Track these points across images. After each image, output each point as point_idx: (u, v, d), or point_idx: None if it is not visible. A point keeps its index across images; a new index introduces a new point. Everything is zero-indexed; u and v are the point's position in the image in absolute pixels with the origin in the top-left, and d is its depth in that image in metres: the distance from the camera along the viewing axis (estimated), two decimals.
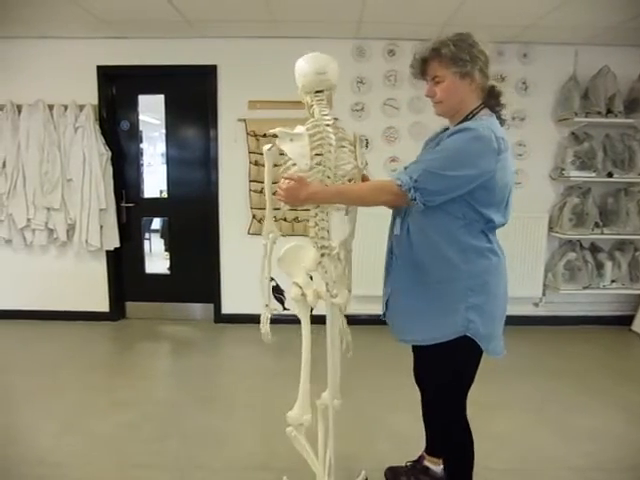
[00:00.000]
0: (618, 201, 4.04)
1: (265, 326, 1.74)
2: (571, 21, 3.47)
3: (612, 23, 3.49)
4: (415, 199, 1.49)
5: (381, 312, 1.79)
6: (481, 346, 1.57)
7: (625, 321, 4.25)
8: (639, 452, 2.40)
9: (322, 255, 1.62)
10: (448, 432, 1.74)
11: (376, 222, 2.17)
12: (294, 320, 1.73)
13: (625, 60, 3.94)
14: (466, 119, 1.57)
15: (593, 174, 3.95)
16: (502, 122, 1.59)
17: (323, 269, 1.62)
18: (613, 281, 4.08)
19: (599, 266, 4.09)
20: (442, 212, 1.53)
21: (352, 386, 2.71)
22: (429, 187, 1.48)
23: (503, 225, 1.60)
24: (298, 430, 1.73)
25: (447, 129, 1.66)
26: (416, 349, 1.82)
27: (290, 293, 1.69)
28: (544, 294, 4.15)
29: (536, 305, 4.21)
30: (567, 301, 4.20)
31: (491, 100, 1.60)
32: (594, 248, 4.16)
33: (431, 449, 2.05)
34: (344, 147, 1.63)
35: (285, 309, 1.73)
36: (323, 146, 1.58)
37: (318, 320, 1.73)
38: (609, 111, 3.88)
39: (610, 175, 3.94)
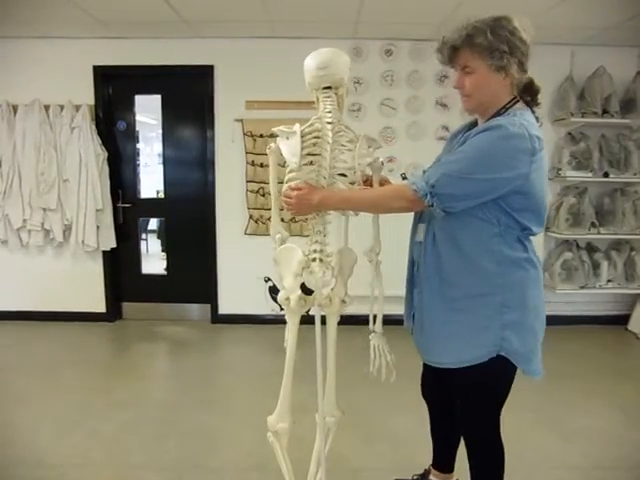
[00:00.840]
0: (614, 201, 4.05)
1: (286, 339, 1.66)
2: (567, 21, 3.48)
3: (608, 24, 3.50)
4: (433, 205, 1.36)
5: (406, 324, 1.66)
6: (519, 367, 1.45)
7: (621, 320, 4.26)
8: (638, 451, 2.40)
9: (313, 260, 1.54)
10: (481, 449, 1.61)
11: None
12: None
13: (621, 60, 3.96)
14: (498, 114, 1.42)
15: (589, 174, 3.96)
16: (537, 119, 1.44)
17: (310, 274, 1.54)
18: (609, 281, 4.09)
19: (595, 266, 4.10)
20: (473, 217, 1.38)
21: (350, 386, 2.71)
22: (449, 191, 1.34)
23: (539, 232, 1.46)
24: (276, 437, 1.64)
25: (474, 124, 1.54)
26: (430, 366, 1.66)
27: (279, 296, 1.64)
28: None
29: None
30: (564, 301, 4.21)
31: (527, 96, 1.45)
32: (590, 248, 4.18)
33: (439, 464, 1.92)
34: (344, 146, 1.55)
35: (282, 309, 1.69)
36: (318, 145, 1.52)
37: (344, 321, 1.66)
38: (605, 111, 3.90)
39: (606, 175, 3.96)
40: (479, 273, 1.40)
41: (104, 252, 4.20)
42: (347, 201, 1.52)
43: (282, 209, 1.62)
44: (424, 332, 1.54)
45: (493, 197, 1.35)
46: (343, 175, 1.56)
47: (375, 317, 1.71)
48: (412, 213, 1.60)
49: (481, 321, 1.42)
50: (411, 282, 1.62)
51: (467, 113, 1.53)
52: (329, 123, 1.53)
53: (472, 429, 1.59)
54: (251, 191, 4.06)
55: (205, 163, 4.16)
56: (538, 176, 1.37)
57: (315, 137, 1.53)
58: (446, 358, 1.50)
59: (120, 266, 4.35)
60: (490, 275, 1.40)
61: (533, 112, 1.45)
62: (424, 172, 1.44)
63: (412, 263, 1.61)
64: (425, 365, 1.74)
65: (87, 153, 3.95)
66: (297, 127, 1.53)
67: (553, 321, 4.24)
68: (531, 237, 1.47)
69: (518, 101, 1.44)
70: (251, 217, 4.10)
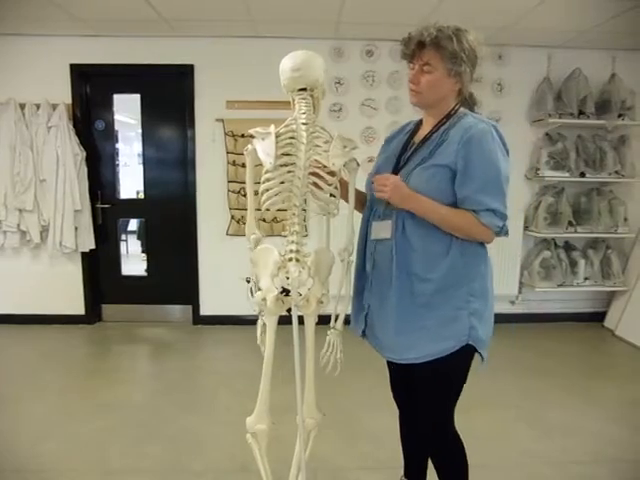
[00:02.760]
0: (590, 200, 4.12)
1: (259, 336, 1.65)
2: (545, 24, 3.53)
3: (584, 27, 3.56)
4: (503, 234, 1.47)
5: (355, 327, 1.66)
6: (481, 354, 1.48)
7: (598, 317, 4.34)
8: (615, 446, 2.44)
9: (289, 260, 1.53)
10: (442, 445, 1.62)
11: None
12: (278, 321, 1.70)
13: (596, 63, 4.03)
14: (449, 116, 1.51)
15: (567, 174, 4.02)
16: None
17: (285, 274, 1.52)
18: (586, 278, 4.16)
19: (573, 264, 4.16)
20: None
21: (330, 387, 2.71)
22: (506, 212, 1.45)
23: None
24: (255, 438, 1.63)
25: (418, 124, 1.61)
26: (394, 366, 1.68)
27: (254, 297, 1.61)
28: (520, 292, 4.21)
29: (512, 303, 4.27)
30: (542, 299, 4.27)
31: (465, 106, 1.55)
32: (568, 246, 4.24)
33: (411, 473, 1.87)
34: (319, 147, 1.55)
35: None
36: (293, 145, 1.53)
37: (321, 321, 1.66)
38: (581, 112, 3.96)
39: (583, 175, 4.02)
40: (451, 267, 1.44)
41: (83, 254, 4.13)
42: (431, 212, 1.44)
43: (258, 209, 1.60)
44: (388, 331, 1.52)
45: None
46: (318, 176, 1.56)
47: (337, 316, 1.70)
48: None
49: (451, 313, 1.45)
50: (361, 281, 1.62)
51: (415, 106, 1.57)
52: (304, 124, 1.53)
53: (430, 421, 1.59)
54: (232, 191, 4.04)
55: (186, 163, 4.13)
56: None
57: (290, 137, 1.54)
58: (416, 353, 1.49)
59: (99, 268, 4.29)
60: (457, 266, 1.45)
61: None
62: (494, 211, 1.42)
63: (363, 263, 1.62)
64: (390, 365, 1.73)
65: (64, 153, 3.88)
66: (272, 128, 1.53)
67: (532, 318, 4.38)
68: None
69: (461, 106, 1.53)
70: (232, 217, 4.07)
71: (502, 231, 1.45)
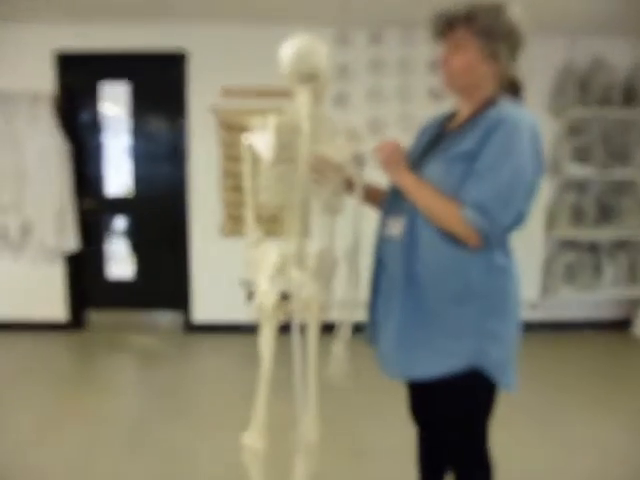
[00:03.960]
0: (617, 198, 4.12)
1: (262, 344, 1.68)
2: (567, 8, 3.52)
3: (609, 11, 3.56)
4: (492, 243, 1.37)
5: (366, 334, 1.64)
6: (494, 381, 1.43)
7: (626, 324, 4.34)
8: None
9: (291, 262, 1.54)
10: (467, 468, 1.57)
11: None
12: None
13: (622, 49, 4.03)
14: (485, 106, 1.42)
15: (591, 169, 4.01)
16: None
17: (284, 277, 1.53)
18: (612, 283, 4.16)
19: (598, 267, 4.16)
20: None
21: (334, 400, 2.71)
22: (505, 222, 1.35)
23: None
24: (251, 456, 1.62)
25: (452, 116, 1.55)
26: (413, 383, 1.66)
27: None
28: (541, 297, 4.21)
29: (533, 309, 4.27)
30: (565, 304, 4.27)
31: (509, 94, 1.46)
32: (593, 248, 4.24)
33: None
34: (322, 140, 1.56)
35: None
36: (293, 139, 1.52)
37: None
38: (606, 102, 3.96)
39: (608, 170, 4.01)
40: (463, 276, 1.39)
41: (66, 255, 4.15)
42: (419, 188, 1.41)
43: (257, 207, 1.61)
44: (390, 343, 1.49)
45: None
46: None
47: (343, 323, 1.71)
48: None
49: (458, 329, 1.40)
50: (375, 286, 1.60)
51: (447, 89, 1.52)
52: (306, 115, 1.53)
53: (457, 455, 1.57)
54: (227, 187, 4.05)
55: (177, 157, 4.15)
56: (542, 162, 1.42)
57: (291, 131, 1.53)
58: (420, 370, 1.45)
59: (83, 270, 4.30)
60: (469, 278, 1.39)
61: None
62: (484, 209, 1.32)
63: (378, 262, 1.58)
64: (408, 387, 1.73)
65: (47, 146, 3.90)
66: (272, 119, 1.53)
67: (554, 326, 4.37)
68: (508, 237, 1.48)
69: (502, 94, 1.45)
70: (228, 216, 4.09)
71: (489, 238, 1.34)
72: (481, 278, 1.39)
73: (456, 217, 1.34)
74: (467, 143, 1.37)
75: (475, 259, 1.39)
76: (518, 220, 1.40)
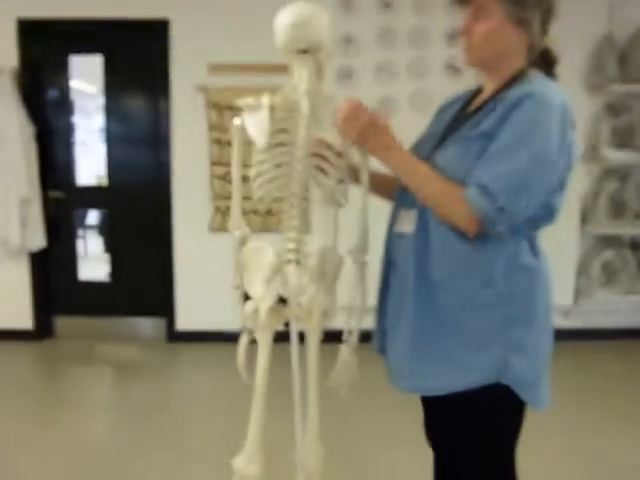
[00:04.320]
0: None
1: (241, 356, 1.66)
2: None
3: None
4: (500, 233, 1.31)
5: (374, 343, 1.65)
6: (521, 397, 1.41)
7: None
8: None
9: (288, 261, 1.52)
10: None
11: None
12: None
13: None
14: (512, 82, 1.40)
15: (634, 154, 4.00)
16: None
17: (282, 280, 1.52)
18: None
19: None
20: None
21: (337, 417, 2.71)
22: (522, 207, 1.30)
23: (553, 221, 1.44)
24: None
25: (477, 92, 1.53)
26: (427, 398, 1.66)
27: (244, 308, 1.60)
28: (575, 302, 4.20)
29: (566, 315, 4.26)
30: (603, 310, 4.25)
31: (541, 67, 1.44)
32: (635, 245, 4.23)
33: None
34: (324, 122, 1.54)
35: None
36: (291, 120, 1.52)
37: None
38: None
39: None
40: (482, 278, 1.38)
41: (31, 253, 4.15)
42: (408, 173, 1.41)
43: (247, 198, 1.60)
44: (400, 351, 1.49)
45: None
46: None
47: (351, 330, 1.70)
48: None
49: (478, 339, 1.39)
50: (385, 288, 1.59)
51: (470, 66, 1.49)
52: (305, 93, 1.52)
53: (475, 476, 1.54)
54: (217, 176, 4.04)
55: (158, 141, 4.14)
56: (575, 151, 1.38)
57: (288, 110, 1.53)
58: (431, 382, 1.45)
59: (52, 271, 4.30)
60: (491, 280, 1.37)
61: None
62: (484, 188, 1.29)
63: (388, 262, 1.58)
64: (423, 401, 1.72)
65: (9, 127, 3.89)
66: (265, 98, 1.53)
67: (590, 334, 4.36)
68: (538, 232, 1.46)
69: (533, 68, 1.43)
70: (217, 209, 4.08)
71: (492, 226, 1.30)
72: (504, 280, 1.38)
73: (454, 197, 1.33)
74: (487, 123, 1.35)
75: (497, 258, 1.37)
76: (547, 215, 1.39)
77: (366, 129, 1.44)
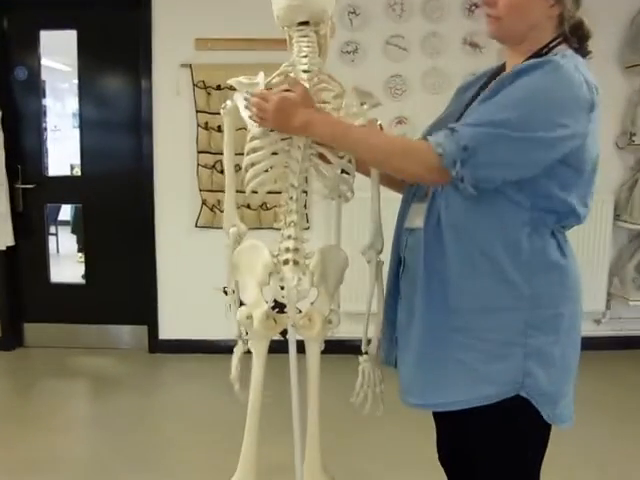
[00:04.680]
0: None
1: (235, 369, 1.66)
2: None
3: None
4: (462, 179, 1.30)
5: (384, 352, 1.65)
6: (541, 412, 1.40)
7: None
8: None
9: (285, 262, 1.54)
10: None
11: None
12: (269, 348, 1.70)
13: None
14: (538, 55, 1.40)
15: None
16: None
17: (279, 283, 1.53)
18: None
19: None
20: (501, 197, 1.35)
21: (341, 438, 2.71)
22: (488, 158, 1.29)
23: (583, 221, 1.44)
24: None
25: (499, 70, 1.53)
26: (439, 414, 1.66)
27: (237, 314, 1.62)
28: (608, 307, 4.20)
29: (597, 322, 4.26)
30: (638, 316, 4.26)
31: (574, 39, 1.43)
32: None
33: None
34: (326, 103, 1.56)
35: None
36: None
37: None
38: None
39: None
40: (500, 279, 1.38)
41: None
42: (343, 137, 1.46)
43: (240, 191, 1.60)
44: (409, 361, 1.49)
45: (541, 167, 1.33)
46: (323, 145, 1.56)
47: (370, 338, 1.72)
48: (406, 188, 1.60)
49: (496, 347, 1.39)
50: (394, 290, 1.60)
51: (493, 39, 1.49)
52: (305, 72, 1.54)
53: None
54: (204, 166, 4.04)
55: (139, 126, 4.14)
56: (593, 141, 1.37)
57: (286, 90, 1.52)
58: (445, 396, 1.44)
59: (20, 272, 4.31)
60: (513, 282, 1.37)
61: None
62: (452, 130, 1.33)
63: (397, 261, 1.58)
64: (436, 420, 1.73)
65: None
66: (261, 77, 1.54)
67: (625, 343, 4.35)
68: (567, 229, 1.46)
69: (562, 42, 1.42)
70: (204, 203, 4.08)
71: (452, 164, 1.29)
72: (527, 279, 1.38)
73: (407, 143, 1.42)
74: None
75: (509, 250, 1.37)
76: (570, 213, 1.39)
77: (276, 115, 1.46)
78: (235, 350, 1.68)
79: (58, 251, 5.07)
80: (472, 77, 1.65)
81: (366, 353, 1.72)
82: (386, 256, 1.65)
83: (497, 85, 1.39)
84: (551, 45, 1.41)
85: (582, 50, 1.45)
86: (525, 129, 1.28)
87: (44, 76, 4.28)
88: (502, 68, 1.54)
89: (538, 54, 1.40)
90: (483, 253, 1.38)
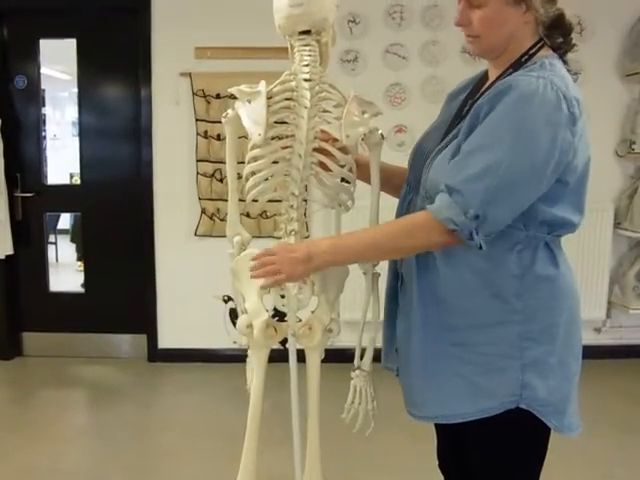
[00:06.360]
0: None
1: (250, 377, 1.64)
2: None
3: None
4: (479, 244, 1.31)
5: (386, 362, 1.66)
6: (545, 422, 1.41)
7: None
8: None
9: None
10: None
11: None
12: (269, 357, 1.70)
13: None
14: (519, 63, 1.40)
15: None
16: (570, 72, 1.41)
17: (280, 292, 1.53)
18: None
19: None
20: None
21: (341, 448, 2.70)
22: (499, 214, 1.31)
23: (578, 227, 1.44)
24: None
25: (483, 78, 1.55)
26: (440, 425, 1.67)
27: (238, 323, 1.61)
28: (609, 316, 4.19)
29: (597, 331, 4.24)
30: (639, 325, 4.26)
31: (556, 35, 1.43)
32: None
33: None
34: (327, 112, 1.55)
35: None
36: (291, 110, 1.53)
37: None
38: None
39: None
40: (489, 295, 1.39)
41: None
42: (360, 252, 1.47)
43: (243, 200, 1.60)
44: (410, 373, 1.51)
45: (540, 194, 1.33)
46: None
47: (364, 349, 1.70)
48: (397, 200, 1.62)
49: (493, 360, 1.40)
50: (393, 303, 1.61)
51: (477, 56, 1.53)
52: (307, 80, 1.53)
53: None
54: (204, 174, 4.04)
55: (138, 135, 4.15)
56: (582, 151, 1.36)
57: (287, 99, 1.54)
58: (444, 409, 1.46)
59: (19, 281, 4.31)
60: (506, 296, 1.39)
61: (565, 62, 1.43)
62: (449, 192, 1.31)
63: (395, 276, 1.60)
64: (437, 428, 1.74)
65: None
66: (262, 86, 1.53)
67: (625, 352, 4.33)
68: (561, 238, 1.46)
69: (544, 46, 1.42)
70: (204, 211, 4.08)
71: (468, 235, 1.30)
72: (518, 294, 1.39)
73: (415, 222, 1.38)
74: (467, 121, 1.38)
75: (509, 270, 1.38)
76: (564, 224, 1.39)
77: (284, 266, 1.44)
78: (248, 360, 1.68)
79: (57, 260, 5.07)
80: (461, 84, 1.68)
81: (359, 368, 1.71)
82: (383, 269, 1.65)
83: (476, 111, 1.38)
84: (531, 52, 1.41)
85: (567, 44, 1.45)
86: (522, 169, 1.29)
87: (44, 85, 4.29)
88: (484, 76, 1.56)
89: (518, 61, 1.41)
90: (476, 271, 1.39)
